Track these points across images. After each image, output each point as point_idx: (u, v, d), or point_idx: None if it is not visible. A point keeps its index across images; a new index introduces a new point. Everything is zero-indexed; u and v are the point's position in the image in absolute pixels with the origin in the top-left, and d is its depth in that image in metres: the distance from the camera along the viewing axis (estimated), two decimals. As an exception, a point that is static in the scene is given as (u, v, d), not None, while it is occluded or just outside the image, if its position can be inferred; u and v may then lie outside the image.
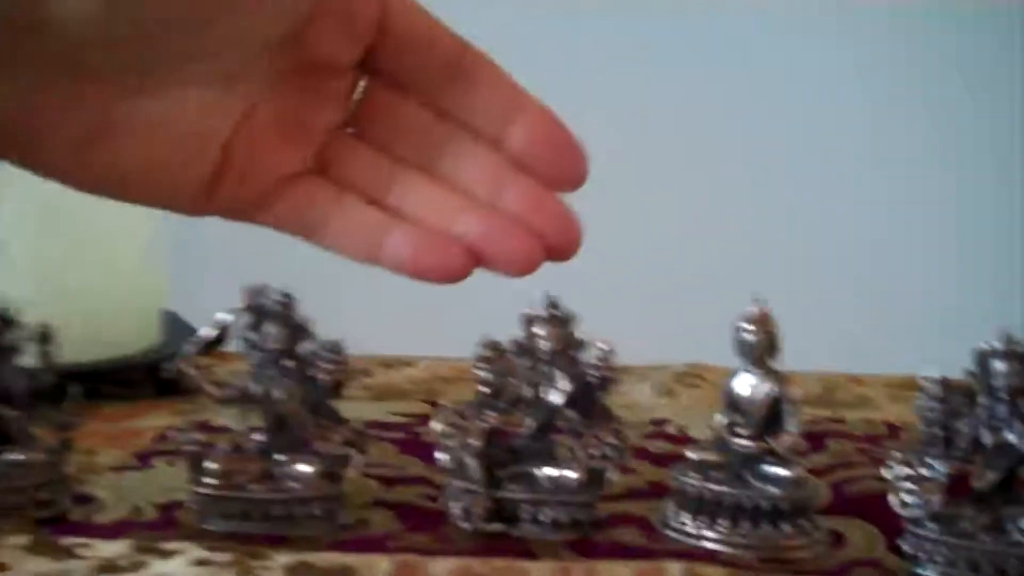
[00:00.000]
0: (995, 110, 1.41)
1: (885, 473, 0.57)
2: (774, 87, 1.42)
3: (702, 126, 1.39)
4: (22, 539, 0.56)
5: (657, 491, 0.65)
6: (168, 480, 0.65)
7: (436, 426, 0.60)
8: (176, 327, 0.87)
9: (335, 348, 0.60)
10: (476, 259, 0.35)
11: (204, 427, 0.70)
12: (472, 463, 0.59)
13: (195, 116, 0.34)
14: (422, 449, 0.70)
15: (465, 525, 0.59)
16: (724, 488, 0.59)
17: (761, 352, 0.59)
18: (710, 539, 0.58)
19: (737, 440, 0.60)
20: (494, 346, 0.61)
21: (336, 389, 0.60)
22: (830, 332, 1.20)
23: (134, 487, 0.65)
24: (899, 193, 1.42)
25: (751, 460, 0.59)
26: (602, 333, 0.61)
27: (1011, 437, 0.55)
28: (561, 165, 0.36)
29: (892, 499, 0.56)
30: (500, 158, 0.36)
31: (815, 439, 0.76)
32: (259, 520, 0.59)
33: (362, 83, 0.36)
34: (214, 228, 0.42)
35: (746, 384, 0.60)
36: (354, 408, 0.78)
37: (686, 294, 1.28)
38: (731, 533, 0.58)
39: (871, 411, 0.84)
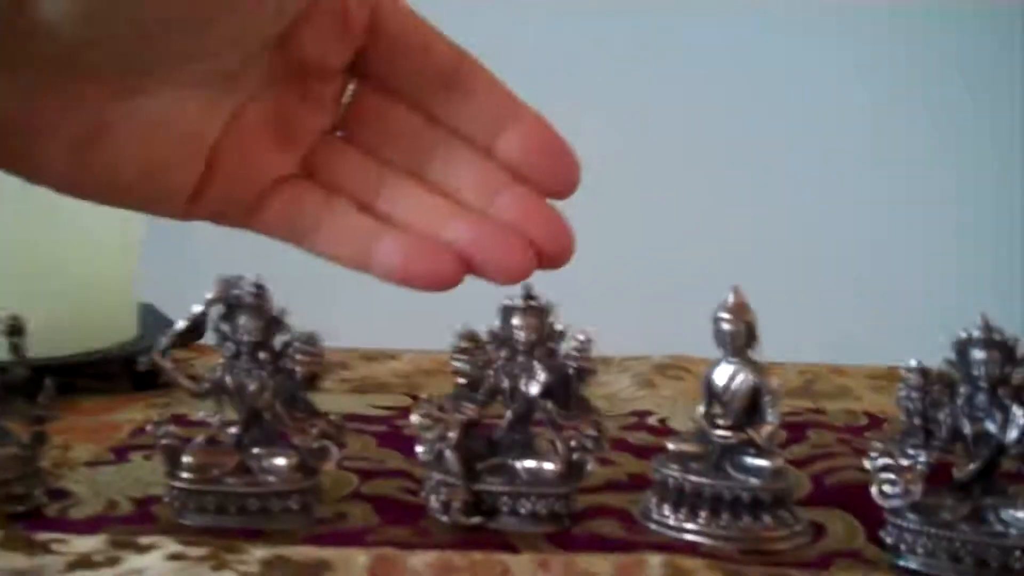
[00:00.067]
0: (995, 110, 1.42)
1: (866, 464, 0.57)
2: (774, 86, 1.42)
3: (700, 123, 1.39)
4: (-5, 534, 0.56)
5: (638, 483, 0.64)
6: (144, 474, 0.65)
7: (414, 419, 0.60)
8: (153, 320, 0.87)
9: (310, 340, 0.59)
10: (467, 266, 0.35)
11: (181, 421, 0.69)
12: (450, 455, 0.58)
13: (194, 116, 0.34)
14: (402, 442, 0.70)
15: (444, 518, 0.59)
16: (704, 479, 0.59)
17: (740, 342, 0.59)
18: (690, 531, 0.58)
19: (717, 431, 0.59)
20: (471, 336, 0.60)
21: (312, 381, 0.60)
22: (830, 332, 1.20)
23: (110, 481, 0.64)
24: (896, 191, 1.43)
25: (731, 451, 0.59)
26: (592, 326, 0.60)
27: (991, 426, 0.55)
28: (554, 173, 0.35)
29: (873, 489, 0.56)
30: (492, 164, 0.36)
31: (796, 430, 0.76)
32: (235, 514, 0.58)
33: (351, 87, 0.36)
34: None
35: (725, 374, 0.60)
36: (335, 401, 0.77)
37: (673, 288, 1.28)
38: (711, 525, 0.58)
39: (852, 402, 0.84)
